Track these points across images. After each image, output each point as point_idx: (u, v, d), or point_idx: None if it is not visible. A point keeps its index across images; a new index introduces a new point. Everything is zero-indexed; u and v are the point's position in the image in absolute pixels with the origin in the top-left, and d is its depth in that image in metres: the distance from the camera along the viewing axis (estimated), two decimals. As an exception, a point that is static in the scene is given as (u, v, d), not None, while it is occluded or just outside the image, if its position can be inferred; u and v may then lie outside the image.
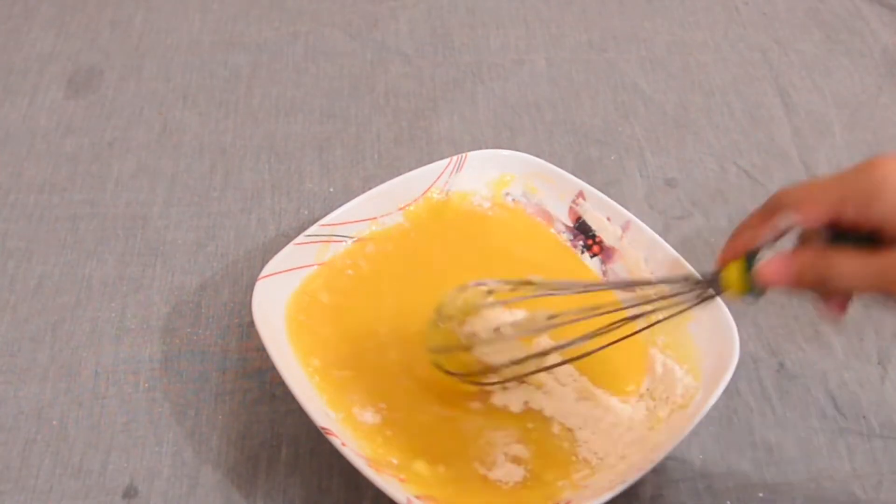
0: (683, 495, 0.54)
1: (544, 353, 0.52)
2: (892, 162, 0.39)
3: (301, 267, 0.58)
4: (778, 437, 0.57)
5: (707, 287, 0.46)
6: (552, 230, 0.63)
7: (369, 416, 0.53)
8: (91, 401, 0.57)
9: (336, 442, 0.49)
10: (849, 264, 0.40)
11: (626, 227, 0.60)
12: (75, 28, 0.84)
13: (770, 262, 0.42)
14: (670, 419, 0.52)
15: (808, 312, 0.63)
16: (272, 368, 0.52)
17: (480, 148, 0.67)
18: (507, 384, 0.54)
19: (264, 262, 0.57)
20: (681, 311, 0.48)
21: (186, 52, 0.82)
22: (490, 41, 0.84)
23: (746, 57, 0.84)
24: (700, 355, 0.54)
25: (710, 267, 0.47)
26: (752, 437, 0.56)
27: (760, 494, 0.54)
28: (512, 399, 0.54)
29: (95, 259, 0.65)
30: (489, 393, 0.54)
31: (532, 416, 0.54)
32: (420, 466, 0.51)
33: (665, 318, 0.49)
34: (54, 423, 0.56)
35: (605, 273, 0.61)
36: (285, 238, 0.63)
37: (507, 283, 0.53)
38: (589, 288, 0.55)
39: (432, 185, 0.63)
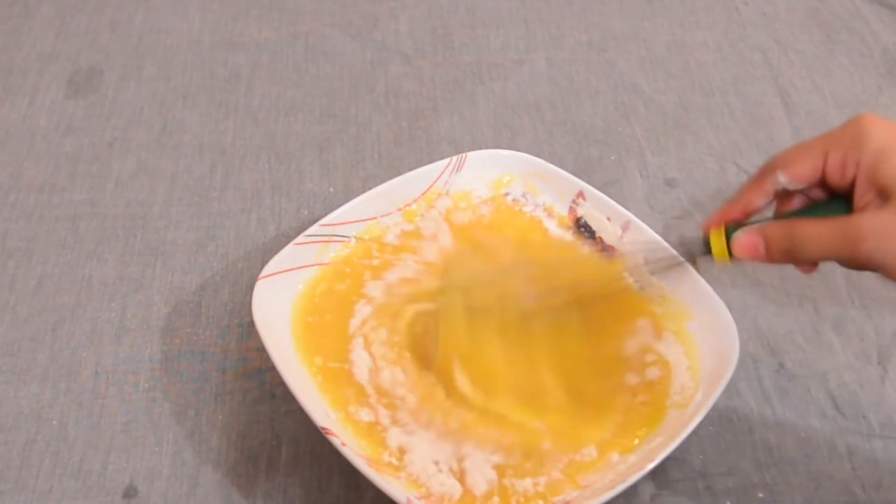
0: (683, 495, 0.54)
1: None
2: (872, 117, 0.42)
3: (301, 267, 0.58)
4: (778, 437, 0.57)
5: (692, 252, 0.51)
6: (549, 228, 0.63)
7: (365, 415, 0.53)
8: (91, 401, 0.57)
9: (336, 442, 0.49)
10: (814, 231, 0.42)
11: (626, 227, 0.60)
12: (75, 28, 0.84)
13: (742, 235, 0.45)
14: (670, 418, 0.52)
15: (808, 312, 0.63)
16: (272, 368, 0.52)
17: (480, 148, 0.67)
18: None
19: (264, 262, 0.57)
20: (666, 268, 0.54)
21: (186, 52, 0.82)
22: (490, 41, 0.84)
23: (746, 57, 0.84)
24: (700, 355, 0.54)
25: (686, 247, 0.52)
26: (752, 437, 0.56)
27: (760, 494, 0.54)
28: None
29: (95, 259, 0.65)
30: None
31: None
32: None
33: (652, 273, 0.55)
34: (54, 423, 0.56)
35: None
36: (285, 238, 0.63)
37: None
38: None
39: (432, 185, 0.63)
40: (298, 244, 0.58)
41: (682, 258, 0.55)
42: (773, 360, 0.60)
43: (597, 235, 0.62)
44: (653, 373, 0.55)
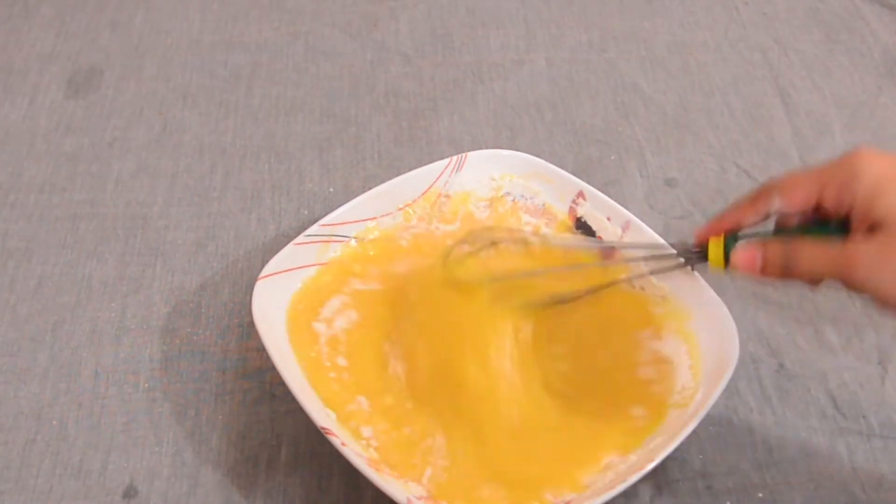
0: (683, 495, 0.54)
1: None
2: (869, 152, 0.44)
3: (301, 267, 0.58)
4: (778, 437, 0.57)
5: (689, 257, 0.53)
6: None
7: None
8: (91, 401, 0.57)
9: (336, 442, 0.49)
10: (810, 253, 0.44)
11: (626, 227, 0.60)
12: (75, 28, 0.84)
13: (743, 249, 0.47)
14: (670, 418, 0.52)
15: (809, 312, 0.63)
16: (272, 368, 0.52)
17: (480, 148, 0.67)
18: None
19: (264, 262, 0.57)
20: (662, 271, 0.56)
21: (186, 52, 0.82)
22: (490, 41, 0.84)
23: (746, 57, 0.84)
24: (700, 355, 0.54)
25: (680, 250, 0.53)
26: (752, 437, 0.56)
27: (760, 494, 0.54)
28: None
29: (95, 259, 0.65)
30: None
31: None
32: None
33: (647, 274, 0.57)
34: (54, 423, 0.56)
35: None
36: (285, 238, 0.63)
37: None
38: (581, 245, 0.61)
39: (432, 185, 0.63)
40: (298, 244, 0.58)
41: (682, 260, 0.56)
42: (773, 360, 0.60)
43: (597, 235, 0.62)
44: (653, 373, 0.55)
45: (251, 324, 0.54)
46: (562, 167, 0.63)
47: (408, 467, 0.50)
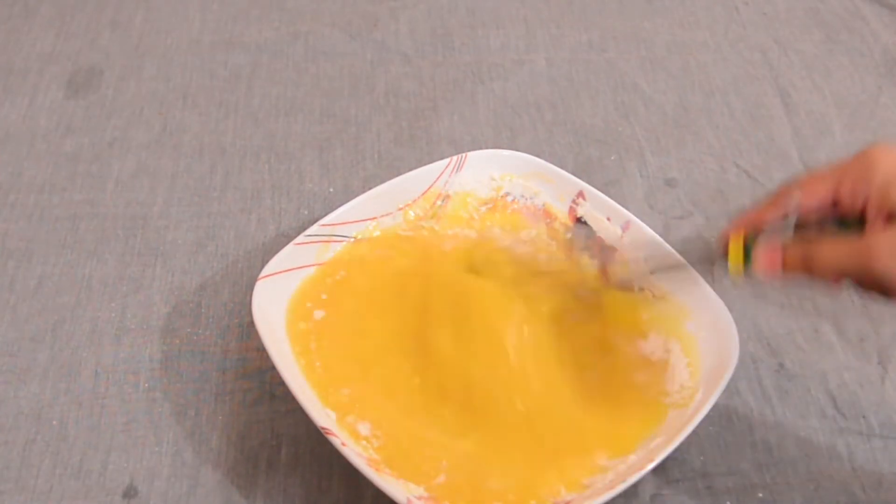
0: (683, 495, 0.54)
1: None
2: (884, 147, 0.45)
3: (301, 267, 0.58)
4: (778, 437, 0.57)
5: (708, 260, 0.52)
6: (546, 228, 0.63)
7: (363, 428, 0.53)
8: (91, 401, 0.57)
9: (336, 442, 0.49)
10: (830, 249, 0.44)
11: (626, 227, 0.60)
12: (75, 28, 0.84)
13: (763, 250, 0.46)
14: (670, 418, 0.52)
15: (809, 312, 0.63)
16: (272, 368, 0.52)
17: (480, 148, 0.67)
18: None
19: (264, 262, 0.57)
20: (668, 269, 0.56)
21: (186, 52, 0.82)
22: (490, 41, 0.84)
23: (746, 57, 0.84)
24: (700, 355, 0.54)
25: (702, 254, 0.53)
26: (752, 437, 0.56)
27: (760, 494, 0.54)
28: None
29: (95, 259, 0.65)
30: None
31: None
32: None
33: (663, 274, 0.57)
34: (54, 423, 0.56)
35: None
36: (285, 238, 0.63)
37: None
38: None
39: (432, 185, 0.63)
40: (298, 244, 0.58)
41: (683, 260, 0.56)
42: (773, 360, 0.60)
43: (597, 235, 0.62)
44: (652, 372, 0.55)
45: (251, 324, 0.54)
46: (562, 167, 0.63)
47: (412, 468, 0.50)
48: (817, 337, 0.62)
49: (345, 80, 0.80)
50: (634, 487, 0.52)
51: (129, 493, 0.53)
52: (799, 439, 0.57)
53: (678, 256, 0.57)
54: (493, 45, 0.84)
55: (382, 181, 0.62)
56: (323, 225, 0.59)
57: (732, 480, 0.54)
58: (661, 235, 0.59)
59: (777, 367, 0.60)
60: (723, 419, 0.57)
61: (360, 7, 0.87)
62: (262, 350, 0.53)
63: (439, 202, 0.63)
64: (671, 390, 0.54)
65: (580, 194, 0.62)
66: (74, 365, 0.59)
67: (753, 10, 0.89)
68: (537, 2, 0.89)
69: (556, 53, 0.83)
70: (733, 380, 0.52)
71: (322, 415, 0.51)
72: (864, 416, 0.58)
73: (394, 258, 0.61)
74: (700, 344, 0.55)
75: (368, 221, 0.61)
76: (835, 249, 0.44)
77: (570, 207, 0.63)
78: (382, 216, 0.62)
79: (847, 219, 0.46)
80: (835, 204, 0.46)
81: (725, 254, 0.49)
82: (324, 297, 0.58)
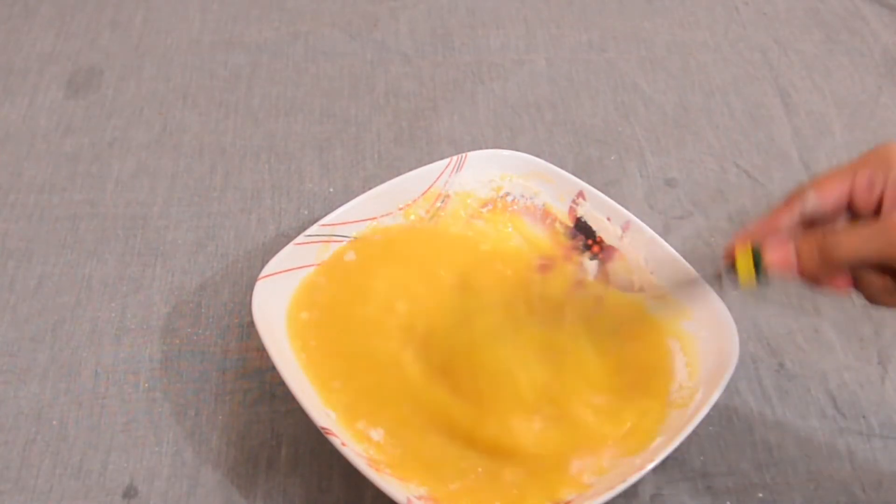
0: (683, 495, 0.54)
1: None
2: None
3: (301, 267, 0.58)
4: (778, 437, 0.57)
5: (718, 278, 0.50)
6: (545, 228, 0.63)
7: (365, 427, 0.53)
8: (91, 401, 0.57)
9: (336, 442, 0.49)
10: (849, 235, 0.43)
11: (626, 227, 0.60)
12: (75, 28, 0.84)
13: (773, 249, 0.44)
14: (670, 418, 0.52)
15: (809, 312, 0.63)
16: (272, 368, 0.52)
17: (480, 148, 0.67)
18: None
19: (264, 262, 0.57)
20: (681, 285, 0.55)
21: (186, 52, 0.82)
22: (490, 41, 0.84)
23: (746, 57, 0.84)
24: (700, 355, 0.54)
25: (709, 268, 0.50)
26: (752, 437, 0.56)
27: (760, 494, 0.54)
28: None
29: (95, 259, 0.65)
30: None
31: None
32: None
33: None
34: (54, 423, 0.56)
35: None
36: (285, 238, 0.63)
37: None
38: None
39: (432, 185, 0.63)
40: (298, 244, 0.58)
41: (696, 274, 0.55)
42: (773, 360, 0.60)
43: (597, 235, 0.62)
44: (652, 372, 0.55)
45: (251, 324, 0.54)
46: (562, 167, 0.63)
47: (423, 471, 0.51)
48: (817, 337, 0.62)
49: (345, 80, 0.80)
50: (634, 487, 0.52)
51: (129, 493, 0.53)
52: (799, 439, 0.57)
53: (678, 256, 0.57)
54: (493, 45, 0.84)
55: (382, 181, 0.62)
56: (323, 225, 0.59)
57: (732, 480, 0.54)
58: (661, 235, 0.59)
59: (777, 367, 0.60)
60: (723, 419, 0.57)
61: (360, 7, 0.87)
62: (262, 350, 0.53)
63: (439, 202, 0.63)
64: (671, 390, 0.54)
65: (580, 194, 0.62)
66: (74, 365, 0.59)
67: (753, 10, 0.89)
68: (537, 2, 0.89)
69: (556, 53, 0.83)
70: (733, 380, 0.52)
71: (322, 415, 0.51)
72: (864, 416, 0.58)
73: (395, 258, 0.61)
74: (700, 344, 0.55)
75: (368, 221, 0.61)
76: (853, 234, 0.42)
77: (570, 207, 0.63)
78: (382, 216, 0.62)
79: (861, 217, 0.45)
80: (849, 207, 0.45)
81: (732, 266, 0.46)
82: (324, 297, 0.58)
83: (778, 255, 0.44)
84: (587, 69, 0.82)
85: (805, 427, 0.57)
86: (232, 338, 0.61)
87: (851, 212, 0.45)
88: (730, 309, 0.54)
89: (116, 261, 0.65)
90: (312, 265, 0.59)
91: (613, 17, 0.87)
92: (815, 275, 0.44)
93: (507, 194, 0.64)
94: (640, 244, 0.60)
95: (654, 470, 0.48)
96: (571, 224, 0.63)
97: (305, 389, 0.52)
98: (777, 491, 0.54)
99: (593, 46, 0.84)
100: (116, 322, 0.61)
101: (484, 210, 0.64)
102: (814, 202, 0.45)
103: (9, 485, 0.53)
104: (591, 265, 0.61)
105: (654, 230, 0.59)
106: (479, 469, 0.51)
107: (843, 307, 0.63)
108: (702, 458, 0.55)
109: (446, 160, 0.63)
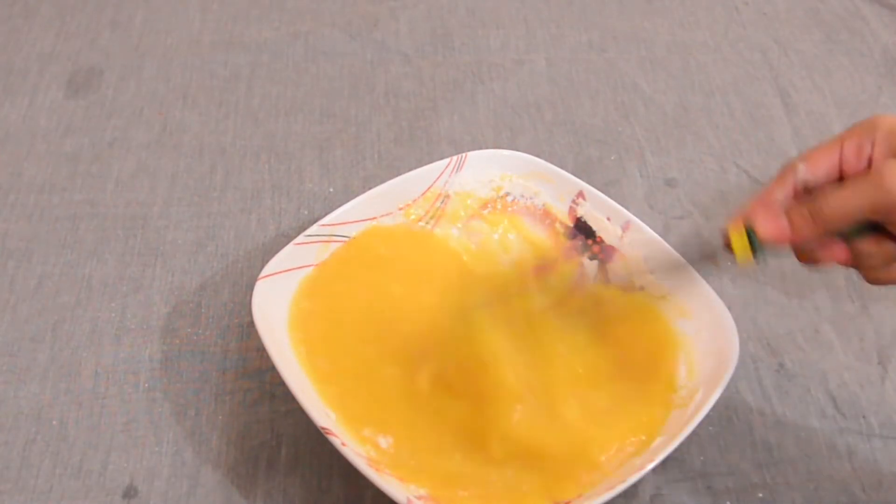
0: (683, 495, 0.54)
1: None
2: (885, 115, 0.45)
3: (301, 267, 0.58)
4: (778, 436, 0.57)
5: (712, 251, 0.51)
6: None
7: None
8: (91, 401, 0.57)
9: (336, 442, 0.49)
10: (839, 194, 0.42)
11: (626, 227, 0.60)
12: (75, 28, 0.84)
13: (764, 219, 0.45)
14: (671, 418, 0.52)
15: (809, 312, 0.63)
16: (272, 368, 0.52)
17: (480, 148, 0.67)
18: None
19: (264, 262, 0.57)
20: (668, 269, 0.56)
21: (186, 52, 0.82)
22: (490, 41, 0.84)
23: (746, 57, 0.84)
24: (700, 355, 0.54)
25: (707, 250, 0.52)
26: (752, 437, 0.56)
27: (760, 494, 0.54)
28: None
29: (95, 259, 0.65)
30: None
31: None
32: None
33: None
34: (54, 423, 0.56)
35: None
36: (285, 238, 0.63)
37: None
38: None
39: (432, 185, 0.63)
40: (298, 244, 0.58)
41: (683, 260, 0.55)
42: (773, 360, 0.60)
43: (597, 235, 0.62)
44: (651, 372, 0.55)
45: (251, 324, 0.54)
46: (562, 167, 0.63)
47: (429, 474, 0.51)
48: (817, 337, 0.62)
49: (345, 80, 0.80)
50: (634, 487, 0.52)
51: (129, 493, 0.53)
52: (799, 439, 0.57)
53: (678, 255, 0.57)
54: (493, 45, 0.84)
55: (382, 181, 0.62)
56: (323, 225, 0.59)
57: (732, 480, 0.54)
58: (661, 235, 0.59)
59: (777, 367, 0.60)
60: (723, 419, 0.57)
61: (360, 7, 0.87)
62: (262, 350, 0.53)
63: (439, 202, 0.63)
64: (671, 390, 0.54)
65: (580, 194, 0.62)
66: (74, 365, 0.59)
67: (753, 10, 0.89)
68: (537, 2, 0.89)
69: (556, 53, 0.83)
70: (733, 380, 0.52)
71: (322, 415, 0.51)
72: (864, 416, 0.58)
73: (396, 257, 0.61)
74: (700, 344, 0.55)
75: (368, 221, 0.61)
76: (844, 192, 0.42)
77: (570, 207, 0.63)
78: (382, 216, 0.62)
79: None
80: (840, 177, 0.45)
81: (728, 246, 0.47)
82: (324, 297, 0.58)
83: (770, 225, 0.45)
84: (587, 69, 0.82)
85: (805, 427, 0.57)
86: (232, 338, 0.61)
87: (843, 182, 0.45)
88: (730, 309, 0.54)
89: (116, 261, 0.65)
90: (312, 265, 0.59)
91: (613, 17, 0.87)
92: (810, 241, 0.44)
93: (507, 194, 0.64)
94: (640, 244, 0.60)
95: (654, 470, 0.48)
96: (571, 224, 0.63)
97: (305, 389, 0.52)
98: (777, 491, 0.54)
99: (593, 46, 0.84)
100: (116, 322, 0.61)
101: (485, 211, 0.64)
102: (804, 174, 0.45)
103: (9, 485, 0.53)
104: (591, 265, 0.61)
105: (654, 230, 0.59)
106: (479, 469, 0.51)
107: (843, 307, 0.63)
108: (702, 458, 0.55)
109: (446, 160, 0.63)
